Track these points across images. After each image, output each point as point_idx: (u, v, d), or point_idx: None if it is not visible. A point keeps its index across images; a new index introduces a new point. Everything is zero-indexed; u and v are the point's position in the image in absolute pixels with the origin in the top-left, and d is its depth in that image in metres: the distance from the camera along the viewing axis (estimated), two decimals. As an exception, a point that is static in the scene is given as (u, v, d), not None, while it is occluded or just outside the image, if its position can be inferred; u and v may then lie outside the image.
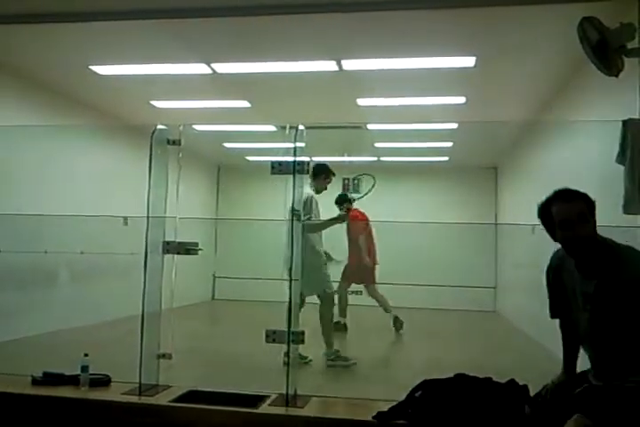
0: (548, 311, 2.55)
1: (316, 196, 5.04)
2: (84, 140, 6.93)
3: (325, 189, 5.28)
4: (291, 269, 3.49)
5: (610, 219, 3.67)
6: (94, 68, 5.50)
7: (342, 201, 6.34)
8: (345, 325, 6.86)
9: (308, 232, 5.09)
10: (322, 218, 5.15)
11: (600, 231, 2.32)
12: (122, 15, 4.07)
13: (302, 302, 5.14)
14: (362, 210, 6.94)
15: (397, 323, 6.87)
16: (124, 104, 6.93)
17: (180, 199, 4.04)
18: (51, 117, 6.10)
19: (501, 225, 9.87)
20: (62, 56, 5.27)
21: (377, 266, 7.15)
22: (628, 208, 3.26)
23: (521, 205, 8.18)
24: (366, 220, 7.12)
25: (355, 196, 5.11)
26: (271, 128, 7.68)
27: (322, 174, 5.20)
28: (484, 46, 4.73)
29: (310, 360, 4.83)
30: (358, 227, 6.89)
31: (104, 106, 6.96)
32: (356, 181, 9.14)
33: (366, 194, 5.03)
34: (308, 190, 5.12)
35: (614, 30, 3.06)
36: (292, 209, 3.68)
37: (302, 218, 4.92)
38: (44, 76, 5.92)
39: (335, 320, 6.29)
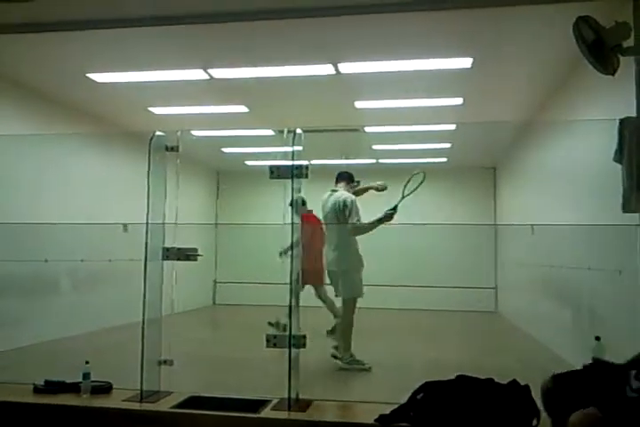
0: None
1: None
2: (82, 147, 6.94)
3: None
4: (291, 272, 3.48)
5: (609, 217, 3.69)
6: (91, 75, 5.52)
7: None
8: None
9: (356, 235, 5.13)
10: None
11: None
12: (118, 23, 4.07)
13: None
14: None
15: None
16: (121, 111, 6.94)
17: (180, 205, 4.03)
18: (48, 126, 6.11)
19: (501, 225, 9.88)
20: (59, 64, 5.28)
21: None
22: (627, 207, 3.26)
23: (520, 205, 8.19)
24: (320, 223, 7.33)
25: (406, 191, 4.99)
26: (269, 132, 7.68)
27: (352, 180, 5.41)
28: (480, 47, 4.74)
29: (370, 368, 4.88)
30: (310, 229, 7.01)
31: (102, 113, 6.97)
32: (355, 184, 9.12)
33: (414, 191, 4.95)
34: (346, 193, 5.20)
35: (609, 29, 3.06)
36: (292, 207, 3.67)
37: (351, 221, 4.97)
38: (40, 85, 5.93)
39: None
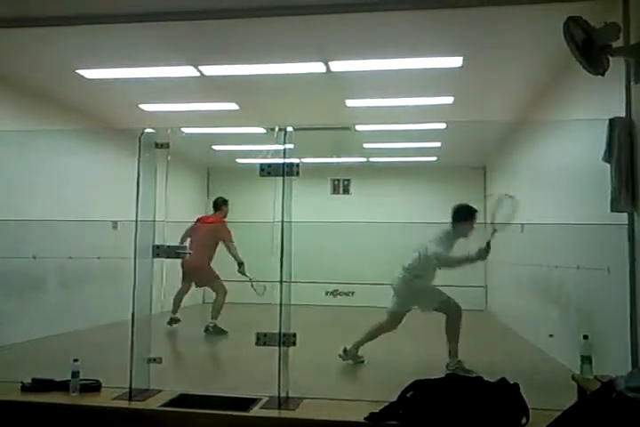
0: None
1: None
2: (72, 144, 6.89)
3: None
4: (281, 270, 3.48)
5: (597, 216, 3.72)
6: (81, 71, 5.48)
7: (222, 203, 7.29)
8: (176, 319, 7.04)
9: (444, 267, 5.36)
10: None
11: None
12: (108, 18, 4.06)
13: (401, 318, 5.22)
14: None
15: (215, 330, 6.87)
16: (111, 108, 6.90)
17: (170, 203, 4.02)
18: (37, 122, 6.05)
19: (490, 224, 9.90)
20: (48, 60, 5.24)
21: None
22: (615, 206, 3.29)
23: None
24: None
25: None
26: (260, 130, 7.67)
27: (468, 219, 5.18)
28: (470, 46, 4.75)
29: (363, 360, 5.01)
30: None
31: (91, 110, 6.93)
32: (345, 182, 9.13)
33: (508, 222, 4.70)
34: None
35: (599, 30, 3.08)
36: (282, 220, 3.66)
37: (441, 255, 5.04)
38: (30, 81, 5.88)
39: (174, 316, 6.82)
